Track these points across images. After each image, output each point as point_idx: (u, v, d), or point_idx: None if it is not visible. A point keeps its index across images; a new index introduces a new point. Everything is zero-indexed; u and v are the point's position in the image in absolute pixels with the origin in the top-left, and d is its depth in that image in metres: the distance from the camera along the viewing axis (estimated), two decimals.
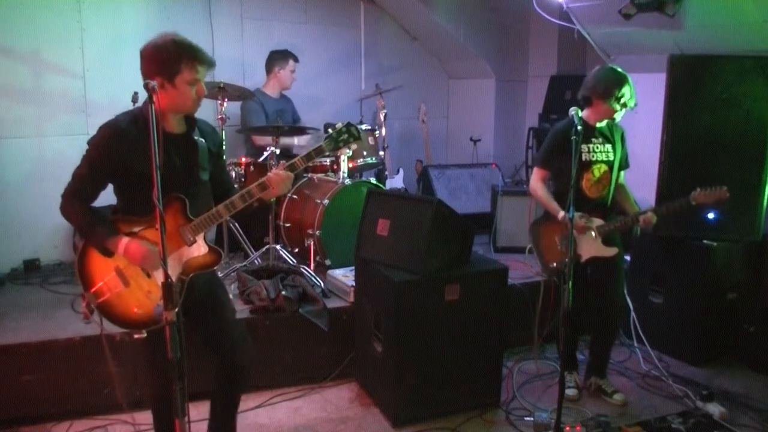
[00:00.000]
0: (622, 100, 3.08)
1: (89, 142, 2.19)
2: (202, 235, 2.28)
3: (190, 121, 2.33)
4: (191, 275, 2.26)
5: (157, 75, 2.12)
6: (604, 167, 3.19)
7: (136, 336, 2.20)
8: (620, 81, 3.06)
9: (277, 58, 4.87)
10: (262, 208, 2.50)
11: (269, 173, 2.34)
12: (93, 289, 2.20)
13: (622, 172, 3.34)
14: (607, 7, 4.19)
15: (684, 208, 3.09)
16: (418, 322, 2.99)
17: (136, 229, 2.21)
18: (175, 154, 2.24)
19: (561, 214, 3.10)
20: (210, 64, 2.23)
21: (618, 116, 3.15)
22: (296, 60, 4.91)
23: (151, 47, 2.16)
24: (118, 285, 2.21)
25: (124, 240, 2.16)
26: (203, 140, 2.35)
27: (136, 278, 2.22)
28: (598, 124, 3.20)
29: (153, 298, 2.20)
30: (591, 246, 3.14)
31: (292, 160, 2.39)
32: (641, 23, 4.03)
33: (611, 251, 3.16)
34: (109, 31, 4.55)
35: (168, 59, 2.13)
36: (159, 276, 2.18)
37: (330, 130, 2.53)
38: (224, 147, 4.00)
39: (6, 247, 4.30)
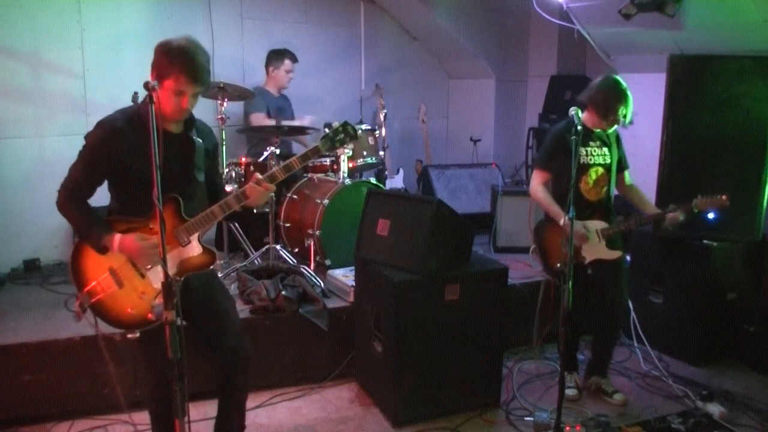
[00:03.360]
0: (620, 117, 3.08)
1: (86, 138, 2.19)
2: (196, 235, 2.28)
3: (188, 121, 2.33)
4: (186, 276, 2.26)
5: (153, 72, 2.15)
6: (600, 170, 3.20)
7: (129, 336, 2.20)
8: (624, 100, 3.05)
9: (273, 57, 4.86)
10: (249, 212, 2.48)
11: (249, 184, 2.30)
12: (86, 289, 2.20)
13: (628, 174, 3.35)
14: (607, 7, 4.19)
15: (687, 214, 3.11)
16: (418, 322, 2.99)
17: (130, 229, 2.21)
18: (172, 153, 2.24)
19: (563, 220, 3.10)
20: (200, 82, 2.16)
21: (611, 129, 3.18)
22: (294, 60, 4.89)
23: (161, 44, 2.16)
24: (112, 285, 2.21)
25: (118, 235, 2.16)
26: (200, 140, 2.35)
27: (130, 279, 2.22)
28: (596, 129, 3.21)
29: (147, 299, 2.20)
30: (595, 249, 3.15)
31: (271, 171, 2.35)
32: (641, 23, 4.03)
33: (614, 254, 3.17)
34: (109, 31, 4.54)
35: (163, 61, 2.13)
36: (152, 276, 2.19)
37: (326, 130, 2.52)
38: (224, 147, 4.01)
39: (6, 247, 4.30)
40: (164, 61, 2.12)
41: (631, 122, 3.15)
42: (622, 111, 3.06)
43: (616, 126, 3.16)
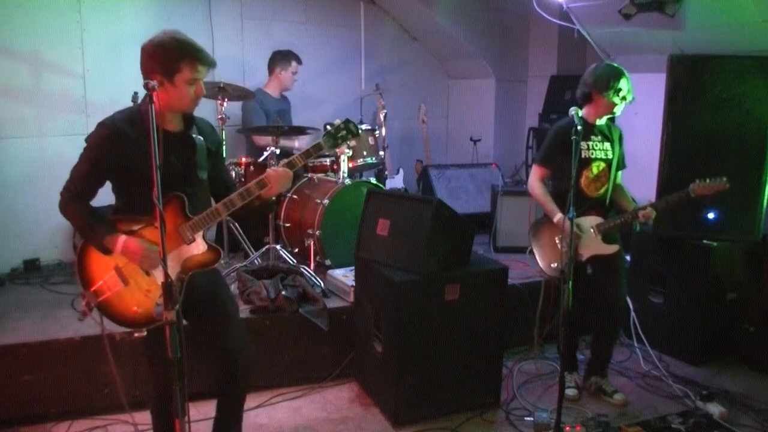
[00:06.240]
0: (621, 93, 3.09)
1: (87, 140, 2.19)
2: (201, 233, 2.28)
3: (188, 119, 2.33)
4: (190, 274, 2.26)
5: (156, 73, 2.13)
6: (602, 165, 3.19)
7: (136, 335, 2.21)
8: (618, 74, 3.08)
9: (280, 59, 4.87)
10: (264, 207, 2.48)
11: (268, 170, 2.33)
12: (93, 288, 2.20)
13: (620, 172, 3.34)
14: (607, 7, 4.20)
15: (683, 201, 3.08)
16: (418, 322, 2.99)
17: (135, 228, 2.21)
18: (173, 152, 2.23)
19: (557, 217, 3.11)
20: (211, 64, 2.23)
21: (618, 110, 3.15)
22: (299, 62, 4.92)
23: (153, 44, 2.15)
24: (118, 284, 2.21)
25: (122, 238, 2.17)
26: (201, 138, 2.35)
27: (135, 277, 2.22)
28: (598, 122, 3.21)
29: (152, 297, 2.20)
30: (591, 245, 3.14)
31: (291, 158, 2.38)
32: (641, 23, 4.04)
33: (612, 248, 3.16)
34: (109, 31, 4.55)
35: (169, 57, 2.13)
36: (158, 275, 2.19)
37: (328, 127, 2.52)
38: (224, 146, 4.01)
39: (6, 247, 4.30)
40: (170, 56, 2.13)
41: (633, 99, 3.15)
42: (620, 85, 3.06)
43: (622, 105, 3.12)
